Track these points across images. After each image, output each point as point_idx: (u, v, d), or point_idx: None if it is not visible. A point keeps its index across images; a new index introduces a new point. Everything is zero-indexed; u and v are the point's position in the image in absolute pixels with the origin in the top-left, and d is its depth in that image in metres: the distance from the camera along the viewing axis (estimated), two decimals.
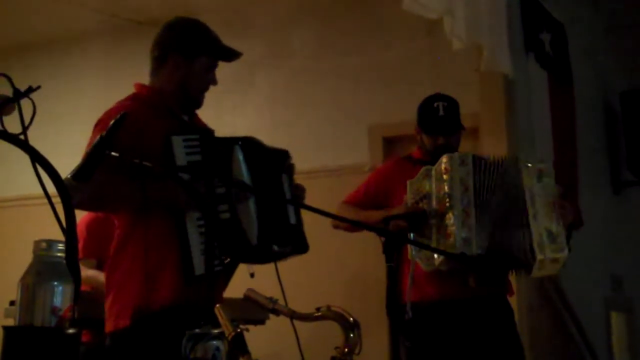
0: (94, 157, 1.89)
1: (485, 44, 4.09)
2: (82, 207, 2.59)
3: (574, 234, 4.81)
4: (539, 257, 3.13)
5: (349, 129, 5.28)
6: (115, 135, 1.99)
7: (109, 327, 2.53)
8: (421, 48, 5.11)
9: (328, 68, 5.42)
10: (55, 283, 1.32)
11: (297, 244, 2.68)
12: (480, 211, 3.17)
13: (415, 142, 3.64)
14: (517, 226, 3.18)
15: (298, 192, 2.73)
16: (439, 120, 3.44)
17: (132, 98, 2.70)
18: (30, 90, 1.64)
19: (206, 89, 2.76)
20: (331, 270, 5.04)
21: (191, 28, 2.77)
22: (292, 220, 2.66)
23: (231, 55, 2.79)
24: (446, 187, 3.19)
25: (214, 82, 2.77)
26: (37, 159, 1.41)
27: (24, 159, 1.47)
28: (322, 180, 4.99)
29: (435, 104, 3.45)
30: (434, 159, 3.34)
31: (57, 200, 1.46)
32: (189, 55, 2.70)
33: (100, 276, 3.38)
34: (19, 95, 1.56)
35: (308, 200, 2.66)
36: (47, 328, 1.27)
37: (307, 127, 5.38)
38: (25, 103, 1.69)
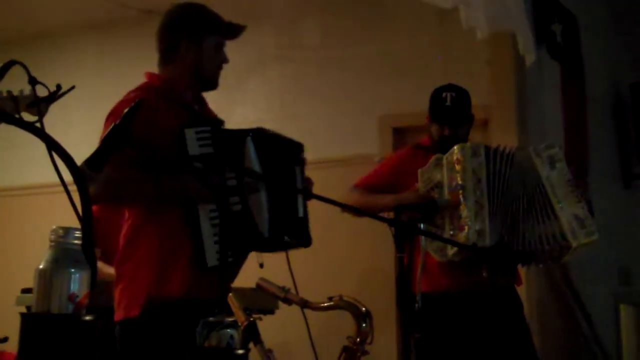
0: (108, 145, 1.89)
1: (515, 29, 4.05)
2: (95, 201, 2.59)
3: None
4: (573, 244, 3.17)
5: (358, 120, 5.27)
6: (130, 123, 1.99)
7: (118, 315, 2.54)
8: (432, 39, 5.09)
9: (338, 59, 5.40)
10: (72, 270, 1.32)
11: (302, 237, 2.70)
12: (494, 203, 3.17)
13: (426, 132, 3.64)
14: (541, 217, 3.19)
15: (307, 185, 2.75)
16: (445, 111, 3.45)
17: (143, 88, 2.69)
18: (59, 91, 1.63)
19: (220, 68, 2.76)
20: (340, 261, 5.04)
21: (193, 11, 2.77)
22: (301, 213, 2.68)
23: (236, 30, 2.79)
24: (459, 178, 3.19)
25: (225, 60, 2.77)
26: (54, 147, 1.41)
27: (38, 146, 1.47)
28: (332, 170, 4.98)
29: (444, 94, 3.47)
30: (442, 148, 3.35)
31: (70, 188, 1.46)
32: (197, 37, 2.70)
33: (104, 267, 3.39)
34: (53, 95, 1.55)
35: (318, 190, 2.67)
36: (64, 315, 1.28)
37: (317, 117, 5.37)
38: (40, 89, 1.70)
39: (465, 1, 3.76)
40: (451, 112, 3.44)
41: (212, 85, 2.76)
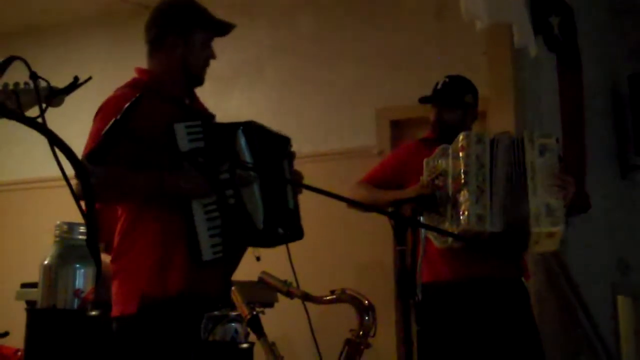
0: (109, 140, 1.89)
1: (514, 21, 4.04)
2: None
3: (580, 217, 4.83)
4: (535, 229, 3.10)
5: (356, 113, 5.28)
6: (130, 118, 1.98)
7: (115, 311, 2.52)
8: (429, 31, 5.09)
9: (335, 52, 5.40)
10: (77, 265, 1.32)
11: (294, 229, 2.69)
12: (495, 188, 3.17)
13: (423, 125, 3.66)
14: (519, 202, 3.18)
15: (296, 179, 2.73)
16: (434, 93, 3.53)
17: (132, 84, 2.67)
18: (77, 82, 1.63)
19: (207, 64, 2.75)
20: (339, 254, 5.04)
21: (182, 6, 2.75)
22: (291, 205, 2.67)
23: (225, 27, 2.78)
24: (462, 165, 3.20)
25: (212, 56, 2.76)
26: (55, 141, 1.41)
27: (37, 141, 1.46)
28: (330, 163, 4.99)
29: (439, 81, 3.58)
30: (447, 138, 3.36)
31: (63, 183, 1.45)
32: (185, 33, 2.68)
33: (107, 260, 3.38)
34: (71, 87, 1.55)
35: (316, 183, 2.66)
36: (70, 310, 1.27)
37: (314, 111, 5.37)
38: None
39: None
40: (439, 93, 3.52)
41: (198, 81, 2.75)
